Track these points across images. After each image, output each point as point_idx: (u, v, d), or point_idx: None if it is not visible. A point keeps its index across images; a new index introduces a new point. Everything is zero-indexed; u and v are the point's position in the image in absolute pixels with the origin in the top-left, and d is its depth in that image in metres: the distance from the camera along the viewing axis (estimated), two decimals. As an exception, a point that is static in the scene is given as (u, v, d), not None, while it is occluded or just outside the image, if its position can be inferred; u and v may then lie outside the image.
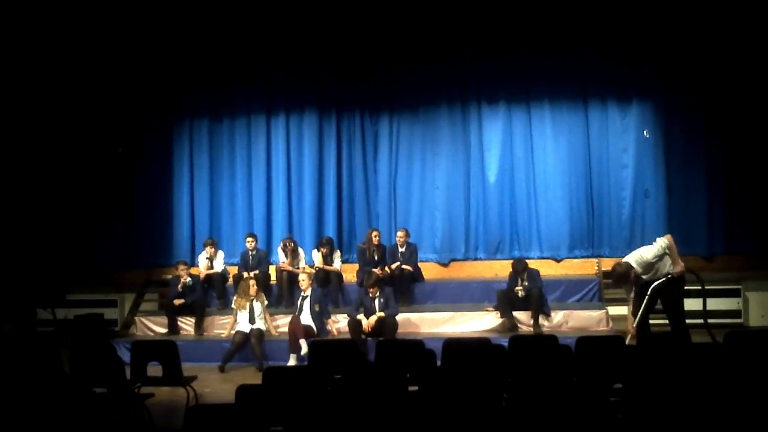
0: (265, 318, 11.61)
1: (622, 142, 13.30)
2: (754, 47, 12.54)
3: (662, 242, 9.46)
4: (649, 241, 12.75)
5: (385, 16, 13.43)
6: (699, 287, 10.01)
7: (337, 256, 12.85)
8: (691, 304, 10.72)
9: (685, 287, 9.68)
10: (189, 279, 12.33)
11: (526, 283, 11.58)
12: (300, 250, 12.93)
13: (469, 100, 13.83)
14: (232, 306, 11.84)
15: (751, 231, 12.65)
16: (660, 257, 9.37)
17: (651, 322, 9.75)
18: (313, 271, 12.35)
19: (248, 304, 11.45)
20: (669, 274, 9.32)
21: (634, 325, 9.39)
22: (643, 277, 9.35)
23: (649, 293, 9.32)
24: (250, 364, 11.05)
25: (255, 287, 11.57)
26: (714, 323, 10.31)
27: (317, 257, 12.71)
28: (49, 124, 13.87)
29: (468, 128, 13.81)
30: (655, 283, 9.33)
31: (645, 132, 13.10)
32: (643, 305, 9.33)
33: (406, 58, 13.81)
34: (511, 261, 12.09)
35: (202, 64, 14.17)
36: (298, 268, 12.48)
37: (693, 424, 5.20)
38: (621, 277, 9.44)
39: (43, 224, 13.71)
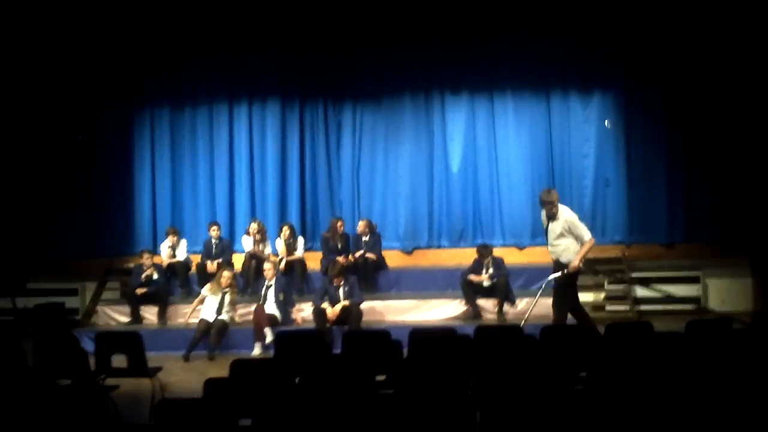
0: (231, 310, 11.57)
1: (584, 132, 13.42)
2: (713, 39, 12.71)
3: (586, 234, 9.31)
4: (611, 229, 13.10)
5: (349, 4, 13.38)
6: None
7: (299, 243, 12.83)
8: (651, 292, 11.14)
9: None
10: (155, 273, 12.26)
11: (492, 271, 11.66)
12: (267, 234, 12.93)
13: (432, 89, 13.87)
14: (202, 291, 11.76)
15: (711, 220, 12.83)
16: (568, 234, 9.29)
17: (609, 309, 9.91)
18: (278, 259, 12.33)
19: (220, 293, 11.40)
20: (564, 269, 9.27)
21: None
22: (551, 242, 9.45)
23: (543, 286, 9.62)
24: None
25: (229, 280, 11.51)
26: (675, 309, 10.52)
27: (280, 246, 12.68)
28: (7, 113, 13.64)
29: (431, 118, 13.85)
30: (552, 276, 9.40)
31: (606, 122, 13.23)
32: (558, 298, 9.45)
33: (370, 47, 13.81)
34: (476, 248, 12.17)
35: (162, 52, 14.00)
36: (265, 253, 12.46)
37: (657, 410, 5.29)
38: (547, 199, 9.41)
39: (2, 213, 13.50)
